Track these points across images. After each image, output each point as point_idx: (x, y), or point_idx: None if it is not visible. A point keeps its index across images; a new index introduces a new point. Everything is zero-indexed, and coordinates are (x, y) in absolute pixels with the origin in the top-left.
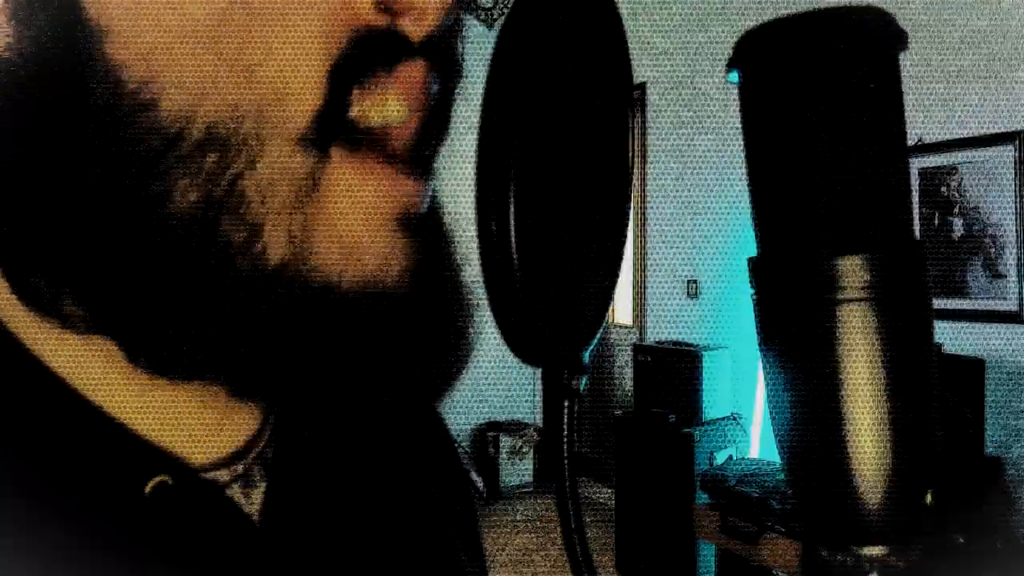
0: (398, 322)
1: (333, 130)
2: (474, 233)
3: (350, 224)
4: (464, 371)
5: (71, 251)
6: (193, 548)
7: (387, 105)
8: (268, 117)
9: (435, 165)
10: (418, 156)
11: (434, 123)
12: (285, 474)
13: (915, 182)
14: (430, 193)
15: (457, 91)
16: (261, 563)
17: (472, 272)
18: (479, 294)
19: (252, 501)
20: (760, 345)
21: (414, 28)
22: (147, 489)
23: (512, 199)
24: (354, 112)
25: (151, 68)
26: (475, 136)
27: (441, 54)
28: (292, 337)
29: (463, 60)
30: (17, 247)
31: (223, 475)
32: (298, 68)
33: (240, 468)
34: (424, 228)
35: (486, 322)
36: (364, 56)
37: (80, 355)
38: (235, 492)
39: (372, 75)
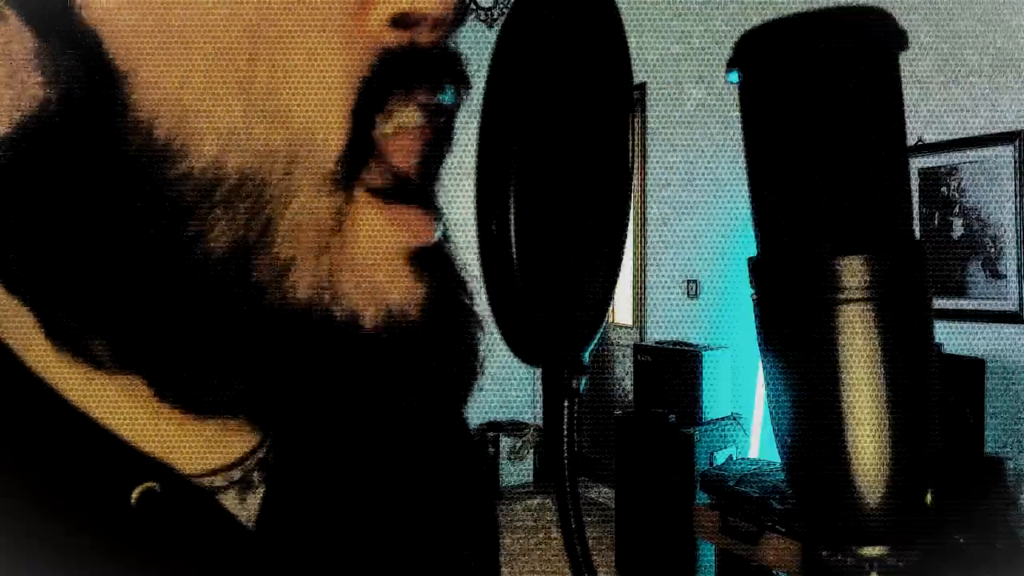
0: (417, 351)
1: (358, 168)
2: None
3: (371, 263)
4: (477, 382)
5: (103, 294)
6: (181, 555)
7: (404, 115)
8: (299, 159)
9: (439, 196)
10: (424, 188)
11: (437, 144)
12: (285, 477)
13: (915, 182)
14: (440, 226)
15: (462, 105)
16: (251, 569)
17: (482, 299)
18: (488, 319)
19: (247, 506)
20: (760, 345)
21: (429, 39)
22: (133, 496)
23: (512, 200)
24: (378, 146)
25: (180, 116)
26: (475, 138)
27: (454, 64)
28: (317, 371)
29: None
30: (50, 290)
31: (218, 480)
32: (324, 106)
33: (237, 473)
34: (435, 260)
35: (488, 323)
36: (385, 81)
37: (107, 392)
38: (229, 498)
39: (393, 97)
